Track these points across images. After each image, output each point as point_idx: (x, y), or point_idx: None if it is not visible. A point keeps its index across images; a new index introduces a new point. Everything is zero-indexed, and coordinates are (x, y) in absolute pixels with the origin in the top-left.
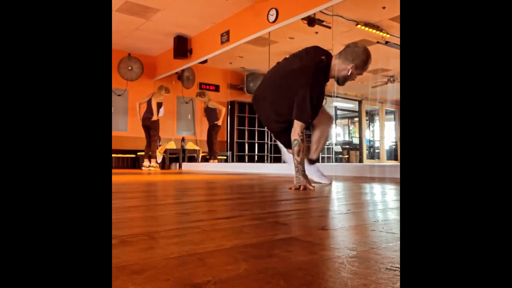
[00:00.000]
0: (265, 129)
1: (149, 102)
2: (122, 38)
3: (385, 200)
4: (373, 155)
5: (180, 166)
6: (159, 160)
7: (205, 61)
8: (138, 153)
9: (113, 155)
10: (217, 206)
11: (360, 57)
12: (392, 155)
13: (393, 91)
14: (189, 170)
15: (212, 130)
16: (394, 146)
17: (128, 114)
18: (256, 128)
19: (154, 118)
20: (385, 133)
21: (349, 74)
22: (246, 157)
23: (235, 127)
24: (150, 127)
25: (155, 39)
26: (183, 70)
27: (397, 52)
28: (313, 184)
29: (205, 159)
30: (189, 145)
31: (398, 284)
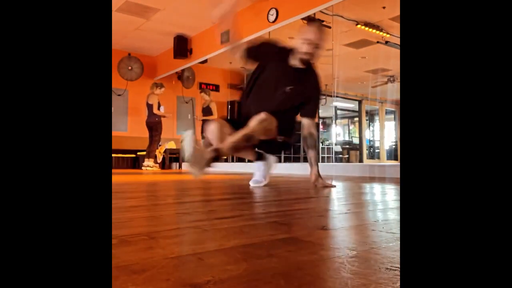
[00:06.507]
0: None
1: (147, 105)
2: (122, 38)
3: (385, 200)
4: (373, 155)
5: (180, 166)
6: (159, 160)
7: (205, 61)
8: (138, 153)
9: (113, 155)
10: (217, 206)
11: None
12: (392, 155)
13: (393, 91)
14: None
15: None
16: (394, 146)
17: (128, 114)
18: None
19: (156, 112)
20: (385, 133)
21: None
22: None
23: None
24: (152, 127)
25: (155, 39)
26: (183, 70)
27: (397, 52)
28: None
29: None
30: None
31: (398, 284)
